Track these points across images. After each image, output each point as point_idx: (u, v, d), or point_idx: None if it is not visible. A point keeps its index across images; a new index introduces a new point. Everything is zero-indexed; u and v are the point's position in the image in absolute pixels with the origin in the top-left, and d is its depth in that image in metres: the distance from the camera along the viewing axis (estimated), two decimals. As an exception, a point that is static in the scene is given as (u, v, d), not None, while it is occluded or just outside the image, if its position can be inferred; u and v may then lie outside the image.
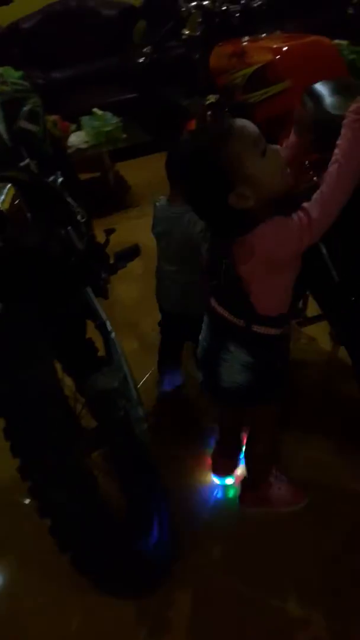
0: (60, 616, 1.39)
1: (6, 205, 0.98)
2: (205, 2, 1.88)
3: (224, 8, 1.89)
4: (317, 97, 1.46)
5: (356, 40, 2.88)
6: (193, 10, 1.85)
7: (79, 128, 3.34)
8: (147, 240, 1.91)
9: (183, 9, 1.87)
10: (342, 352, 1.96)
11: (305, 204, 1.15)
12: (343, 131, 1.17)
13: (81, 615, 1.38)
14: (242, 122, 1.15)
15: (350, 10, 2.94)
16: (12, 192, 1.02)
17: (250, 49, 1.77)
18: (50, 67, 4.06)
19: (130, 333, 2.34)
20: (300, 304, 1.88)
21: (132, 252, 1.93)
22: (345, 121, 1.18)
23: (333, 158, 1.16)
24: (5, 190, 1.01)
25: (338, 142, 1.17)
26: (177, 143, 1.78)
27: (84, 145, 3.28)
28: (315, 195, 1.15)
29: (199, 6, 1.86)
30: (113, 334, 1.61)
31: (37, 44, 4.10)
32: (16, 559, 1.57)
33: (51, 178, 1.57)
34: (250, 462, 1.60)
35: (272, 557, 1.45)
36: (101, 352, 1.65)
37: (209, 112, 2.05)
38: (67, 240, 1.37)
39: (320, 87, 1.50)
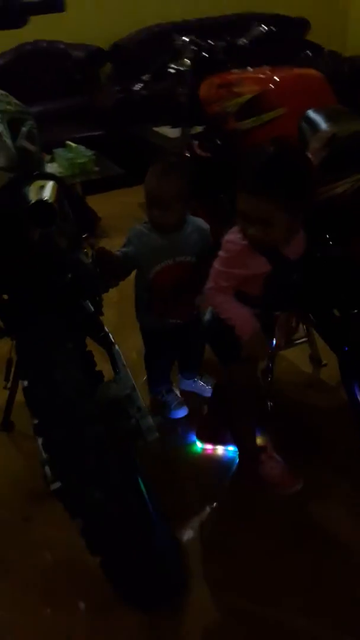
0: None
1: (53, 199, 1.00)
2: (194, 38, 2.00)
3: (211, 43, 2.01)
4: (313, 123, 1.57)
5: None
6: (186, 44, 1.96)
7: (53, 160, 3.39)
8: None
9: (178, 42, 1.98)
10: (323, 374, 2.12)
11: None
12: None
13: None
14: None
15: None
16: (56, 188, 1.04)
17: (240, 80, 1.88)
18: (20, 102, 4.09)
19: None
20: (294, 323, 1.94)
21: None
22: None
23: None
24: (50, 186, 1.03)
25: None
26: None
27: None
28: None
29: (192, 41, 1.98)
30: (117, 346, 1.63)
31: (8, 80, 4.13)
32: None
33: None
34: (232, 428, 1.70)
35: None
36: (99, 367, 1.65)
37: (196, 142, 2.15)
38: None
39: (315, 114, 1.61)
